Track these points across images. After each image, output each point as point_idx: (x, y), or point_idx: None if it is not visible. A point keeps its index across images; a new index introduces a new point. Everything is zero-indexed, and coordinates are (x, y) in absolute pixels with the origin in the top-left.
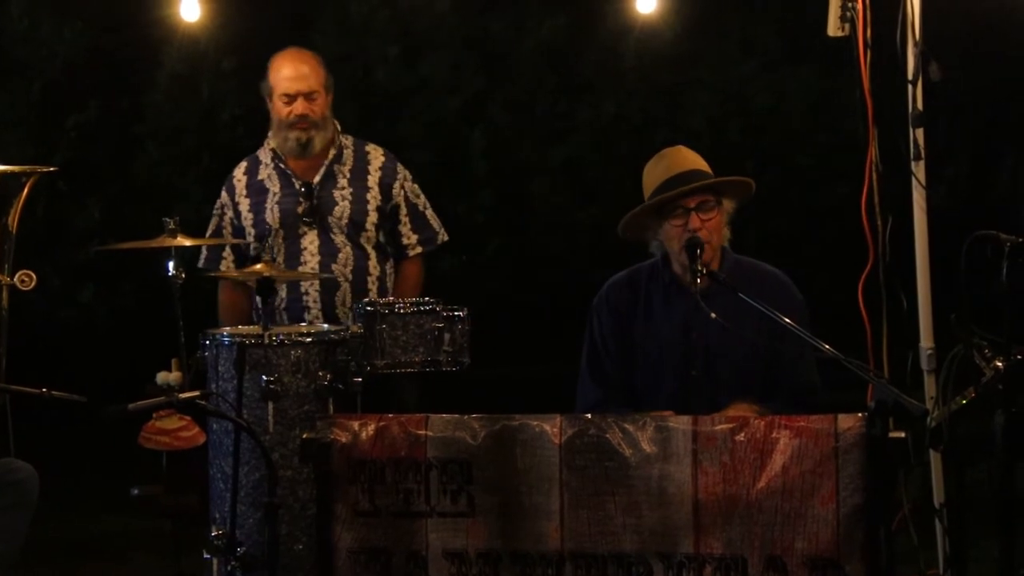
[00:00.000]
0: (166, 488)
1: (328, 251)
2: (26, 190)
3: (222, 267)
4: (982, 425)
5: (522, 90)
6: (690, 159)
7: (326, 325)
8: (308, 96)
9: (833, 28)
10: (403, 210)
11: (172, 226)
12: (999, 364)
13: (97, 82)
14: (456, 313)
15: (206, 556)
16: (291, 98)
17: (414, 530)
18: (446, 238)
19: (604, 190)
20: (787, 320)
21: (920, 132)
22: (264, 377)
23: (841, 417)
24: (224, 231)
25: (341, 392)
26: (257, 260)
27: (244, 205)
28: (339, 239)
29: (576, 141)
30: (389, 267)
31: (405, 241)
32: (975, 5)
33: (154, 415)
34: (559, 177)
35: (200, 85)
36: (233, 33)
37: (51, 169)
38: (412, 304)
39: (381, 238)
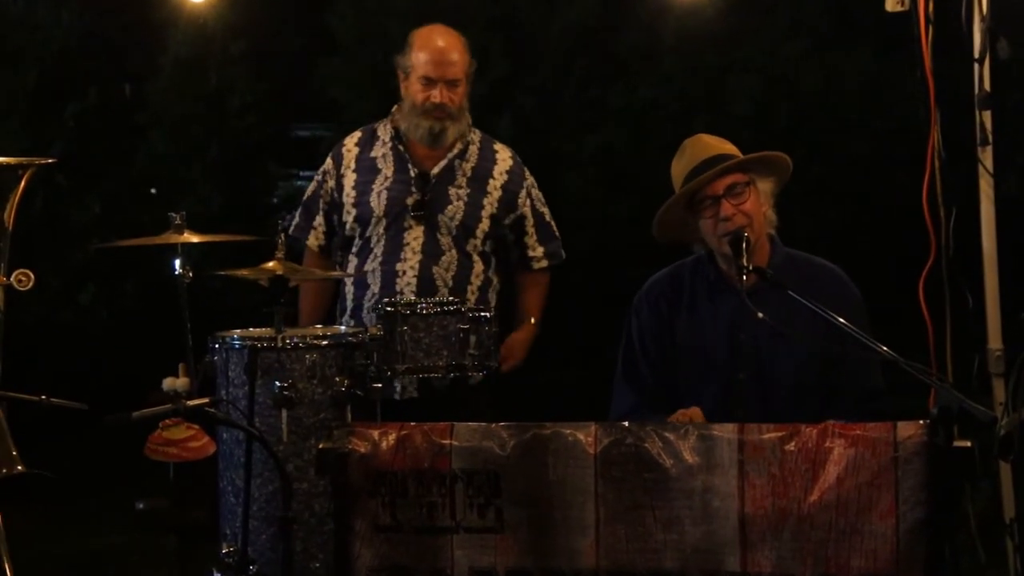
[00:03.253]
0: (173, 502)
1: (432, 251)
2: (22, 184)
3: (311, 238)
4: None
5: (551, 74)
6: (712, 145)
7: (343, 327)
8: (451, 84)
9: (892, 3)
10: (530, 220)
11: (178, 221)
12: None
13: (97, 68)
14: (482, 314)
15: (216, 574)
16: (431, 82)
17: (438, 547)
18: (564, 254)
19: (640, 182)
20: (842, 320)
21: (987, 115)
22: (277, 383)
23: (901, 425)
24: (321, 199)
25: (360, 399)
26: (351, 242)
27: (349, 180)
28: (445, 241)
29: (610, 129)
30: (494, 276)
31: (531, 254)
32: None
33: (160, 424)
34: (591, 168)
35: (207, 70)
36: (243, 14)
37: (49, 161)
38: (435, 304)
39: (488, 247)
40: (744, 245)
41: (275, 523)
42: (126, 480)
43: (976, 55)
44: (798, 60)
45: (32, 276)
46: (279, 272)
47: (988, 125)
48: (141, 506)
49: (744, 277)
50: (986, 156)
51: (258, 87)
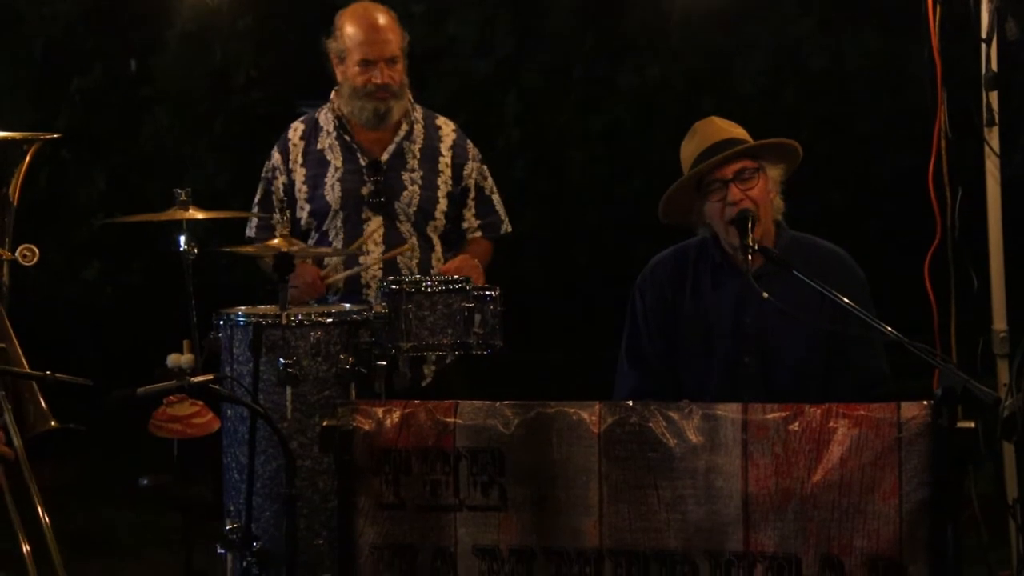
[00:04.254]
0: (177, 478)
1: (393, 240)
2: (27, 159)
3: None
4: None
5: (558, 52)
6: (723, 128)
7: (348, 305)
8: (389, 62)
9: None
10: (471, 194)
11: (183, 198)
12: None
13: (102, 43)
14: (487, 293)
15: (220, 551)
16: (370, 64)
17: (442, 525)
18: (509, 229)
19: (646, 161)
20: (847, 301)
21: (994, 95)
22: (282, 360)
23: (904, 405)
24: (273, 196)
25: (364, 376)
26: (307, 236)
27: (299, 175)
28: (405, 227)
29: (617, 107)
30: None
31: (465, 225)
32: None
33: (165, 400)
34: (598, 146)
35: (213, 45)
36: None
37: (53, 136)
38: (440, 283)
39: (448, 226)
40: (750, 224)
41: (279, 500)
42: (130, 456)
43: (983, 35)
44: (805, 39)
45: (37, 251)
46: (284, 249)
47: (995, 105)
48: (145, 482)
49: (749, 257)
50: (992, 137)
51: (263, 62)
